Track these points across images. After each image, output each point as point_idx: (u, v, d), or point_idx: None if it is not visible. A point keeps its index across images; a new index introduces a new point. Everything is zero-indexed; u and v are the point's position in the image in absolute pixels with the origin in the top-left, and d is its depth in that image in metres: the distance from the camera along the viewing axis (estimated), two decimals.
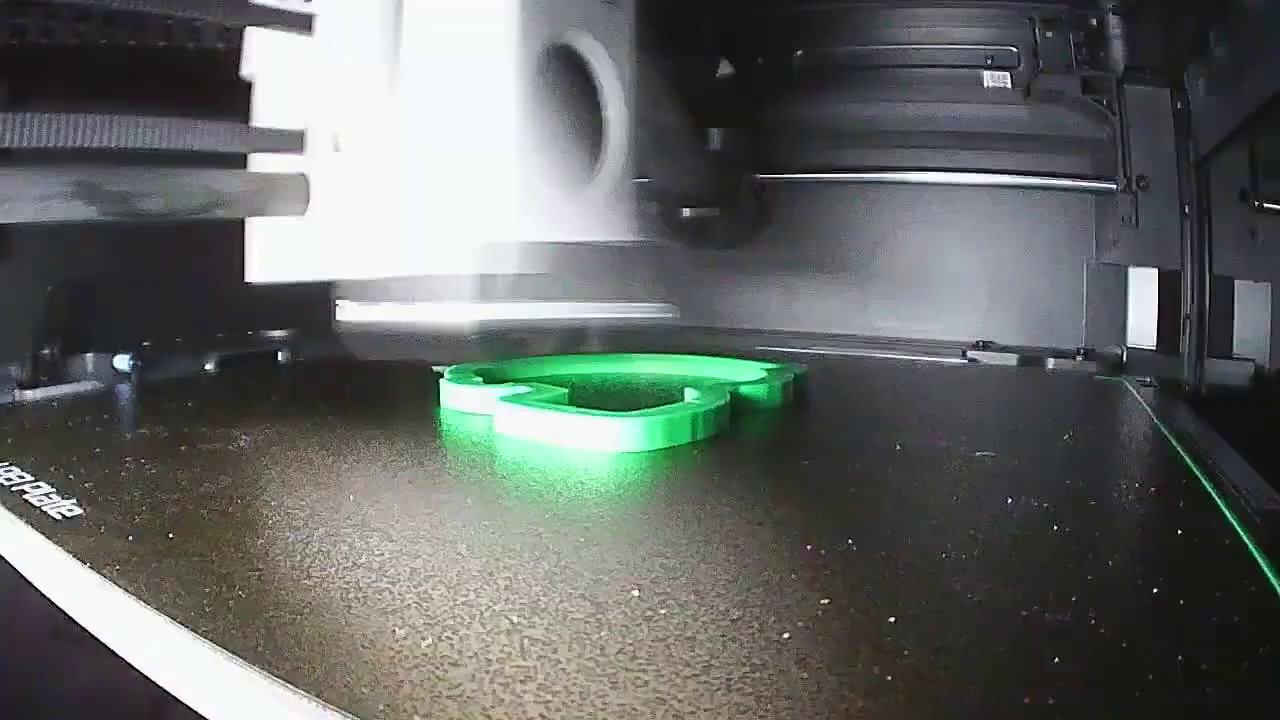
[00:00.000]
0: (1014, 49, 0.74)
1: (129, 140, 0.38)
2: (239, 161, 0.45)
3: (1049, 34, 0.72)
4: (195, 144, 0.40)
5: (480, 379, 0.51)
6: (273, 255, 0.48)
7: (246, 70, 0.48)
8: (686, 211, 0.79)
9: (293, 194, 0.44)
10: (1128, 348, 0.74)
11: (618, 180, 0.47)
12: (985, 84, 0.76)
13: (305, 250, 0.45)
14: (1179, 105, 0.69)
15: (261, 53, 0.47)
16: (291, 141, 0.44)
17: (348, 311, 0.46)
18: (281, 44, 0.46)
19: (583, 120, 0.46)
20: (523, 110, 0.41)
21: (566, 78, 0.44)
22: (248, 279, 0.50)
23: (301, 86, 0.45)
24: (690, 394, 0.46)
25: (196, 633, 0.22)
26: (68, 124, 0.36)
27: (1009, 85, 0.75)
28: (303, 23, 0.44)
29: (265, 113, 0.47)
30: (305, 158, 0.45)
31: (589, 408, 0.43)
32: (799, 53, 0.83)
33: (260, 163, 0.46)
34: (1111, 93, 0.71)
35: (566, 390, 0.48)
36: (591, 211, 0.45)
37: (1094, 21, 0.68)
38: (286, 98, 0.46)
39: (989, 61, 0.76)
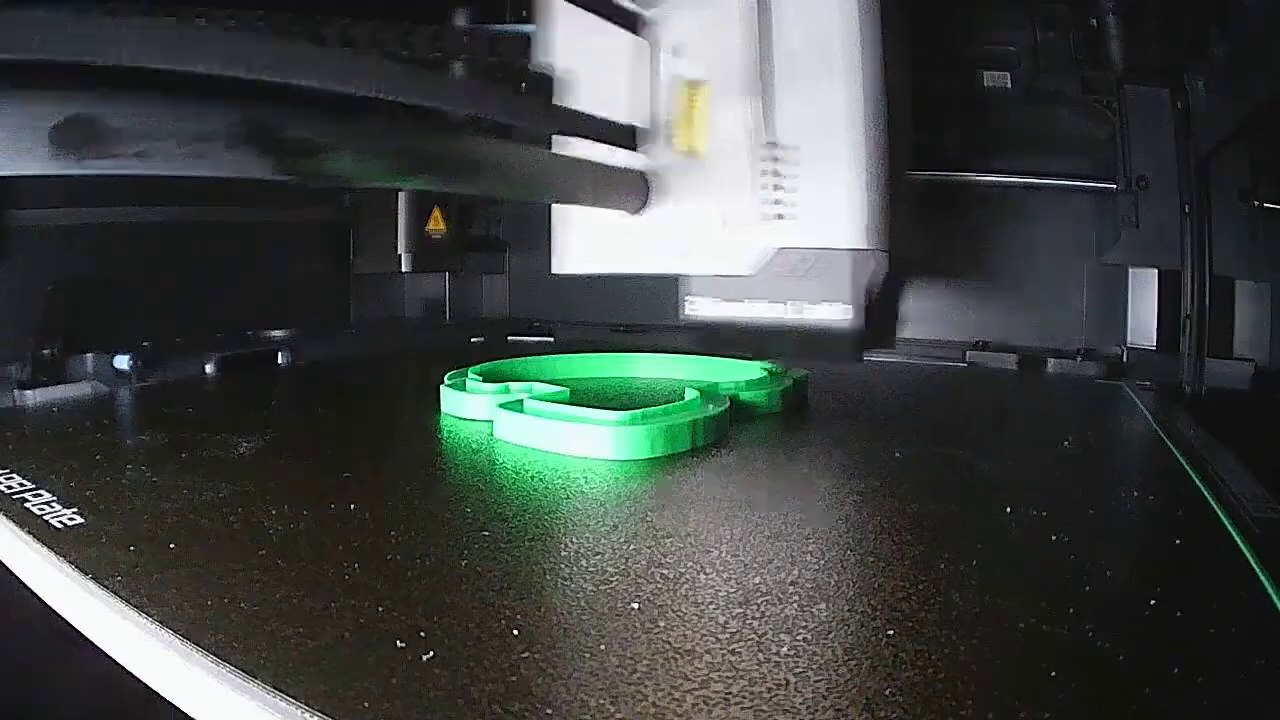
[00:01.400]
0: (1014, 49, 0.74)
1: (438, 100, 0.35)
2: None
3: (1049, 34, 0.72)
4: (531, 122, 0.42)
5: (481, 378, 0.51)
6: (592, 248, 0.52)
7: (554, 59, 0.50)
8: None
9: (633, 190, 0.47)
10: (1128, 348, 0.74)
11: (906, 187, 0.51)
12: (985, 84, 0.75)
13: (634, 245, 0.50)
14: (1179, 105, 0.69)
15: (571, 45, 0.50)
16: (630, 137, 0.47)
17: (696, 307, 0.51)
18: (593, 39, 0.49)
19: (896, 150, 0.50)
20: (876, 145, 0.47)
21: (890, 117, 0.49)
22: (555, 270, 0.54)
23: (629, 85, 0.49)
24: (690, 392, 0.46)
25: (199, 646, 0.22)
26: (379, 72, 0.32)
27: (1009, 85, 0.75)
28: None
29: (577, 102, 0.49)
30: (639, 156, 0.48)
31: (589, 409, 0.43)
32: None
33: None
34: (1111, 93, 0.71)
35: (566, 390, 0.48)
36: (904, 226, 0.50)
37: (1094, 21, 0.68)
38: (604, 91, 0.49)
39: (989, 61, 0.75)
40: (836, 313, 0.48)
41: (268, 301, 0.83)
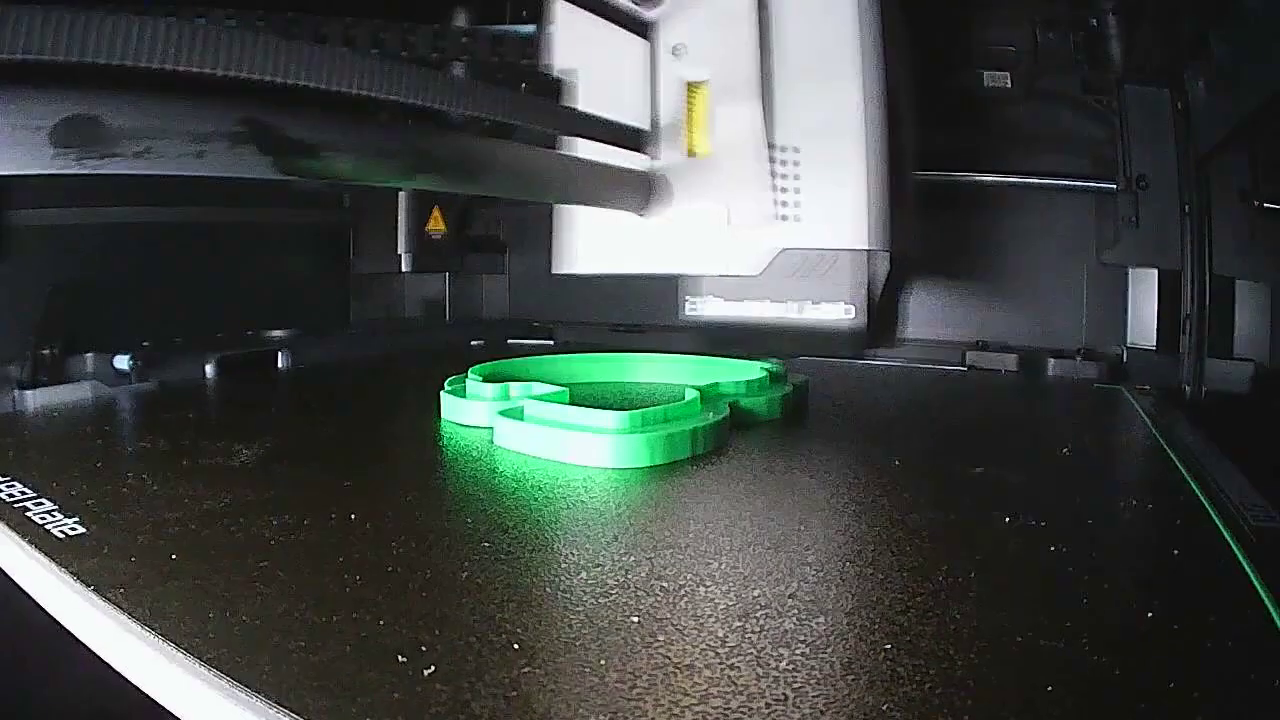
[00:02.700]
0: (1014, 49, 0.74)
1: (453, 103, 0.32)
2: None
3: (1049, 34, 0.72)
4: (536, 122, 0.39)
5: (480, 377, 0.51)
6: (597, 247, 0.52)
7: (555, 60, 0.51)
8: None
9: (637, 190, 0.47)
10: (1128, 348, 0.74)
11: (910, 187, 0.52)
12: (985, 84, 0.75)
13: (640, 245, 0.50)
14: (1179, 105, 0.69)
15: (572, 46, 0.51)
16: (634, 138, 0.47)
17: (697, 307, 0.51)
18: (596, 40, 0.50)
19: (900, 149, 0.50)
20: (879, 143, 0.47)
21: (893, 115, 0.49)
22: (556, 270, 0.53)
23: (635, 88, 0.49)
24: (690, 392, 0.46)
25: (202, 660, 0.22)
26: (359, 65, 0.28)
27: (1009, 85, 0.75)
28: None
29: (582, 103, 0.50)
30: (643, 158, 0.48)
31: (589, 413, 0.43)
32: None
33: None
34: (1111, 93, 0.71)
35: (566, 391, 0.48)
36: (906, 226, 0.51)
37: (1094, 21, 0.68)
38: (607, 92, 0.49)
39: (989, 61, 0.75)
40: (839, 312, 0.49)
41: (268, 302, 0.83)
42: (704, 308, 0.52)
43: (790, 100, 0.48)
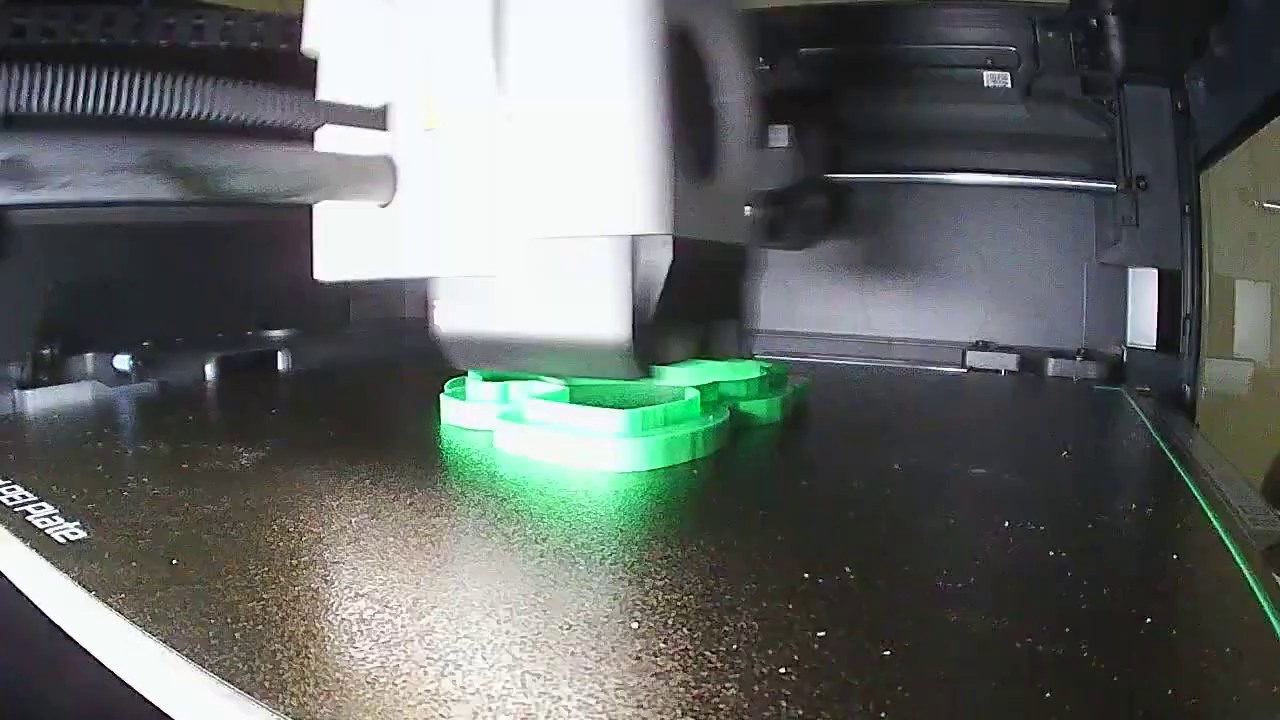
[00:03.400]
0: (1014, 49, 0.74)
1: (191, 106, 0.30)
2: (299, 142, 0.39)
3: (1049, 34, 0.72)
4: (269, 116, 0.33)
5: (481, 375, 0.51)
6: (344, 250, 0.43)
7: (309, 44, 0.42)
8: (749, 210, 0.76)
9: (379, 178, 0.39)
10: (1128, 348, 0.74)
11: (740, 173, 0.41)
12: (985, 84, 0.75)
13: (384, 245, 0.40)
14: (1179, 105, 0.69)
15: (326, 23, 0.42)
16: (373, 119, 0.39)
17: (447, 318, 0.41)
18: (351, 14, 0.41)
19: (698, 107, 0.40)
20: (645, 90, 0.35)
21: (681, 61, 0.38)
22: (316, 277, 0.45)
23: (378, 60, 0.40)
24: (690, 392, 0.46)
25: (203, 666, 0.22)
26: (118, 84, 0.29)
27: (1009, 85, 0.75)
28: None
29: (333, 89, 0.41)
30: (387, 139, 0.39)
31: (590, 413, 0.43)
32: (800, 51, 0.83)
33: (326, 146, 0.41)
34: (1111, 93, 0.71)
35: (566, 390, 0.48)
36: (715, 207, 0.40)
37: (1094, 21, 0.68)
38: (359, 72, 0.40)
39: (989, 61, 0.75)
40: (596, 322, 0.37)
41: (268, 301, 0.83)
42: (449, 319, 0.42)
43: (529, 49, 0.37)
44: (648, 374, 0.41)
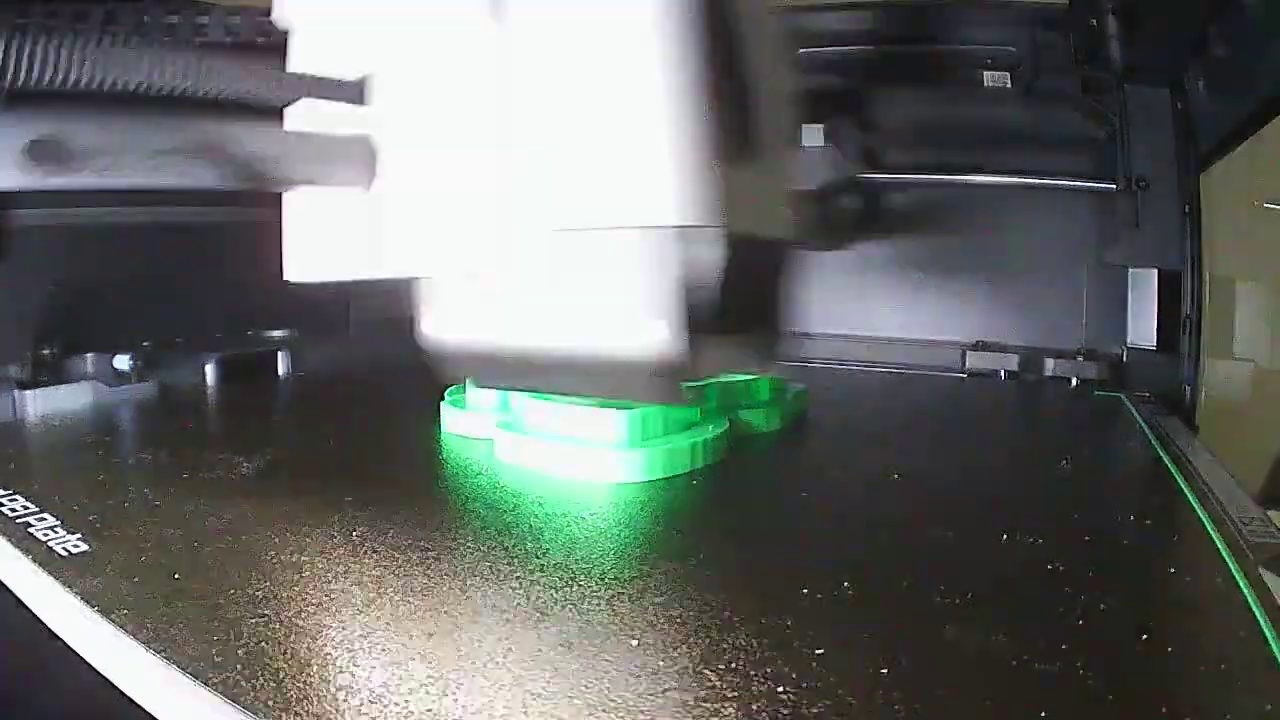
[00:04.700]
0: (1014, 49, 0.74)
1: (160, 78, 0.26)
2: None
3: (1049, 34, 0.72)
4: (251, 90, 0.29)
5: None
6: (318, 249, 0.37)
7: (278, 14, 0.37)
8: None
9: (358, 161, 0.33)
10: (1128, 348, 0.74)
11: (777, 160, 0.33)
12: (985, 84, 0.75)
13: (366, 240, 0.34)
14: (1179, 105, 0.69)
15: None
16: (352, 92, 0.33)
17: (440, 326, 0.34)
18: None
19: (728, 86, 0.31)
20: (669, 60, 0.28)
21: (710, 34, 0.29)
22: (287, 278, 0.37)
23: (355, 29, 0.34)
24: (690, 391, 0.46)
25: (207, 684, 0.22)
26: (82, 52, 0.24)
27: (1009, 85, 0.75)
28: None
29: (305, 62, 0.35)
30: (366, 117, 0.33)
31: (590, 418, 0.43)
32: (800, 51, 0.82)
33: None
34: (1111, 93, 0.71)
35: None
36: (760, 200, 0.32)
37: (1094, 21, 0.68)
38: (333, 43, 0.35)
39: (989, 61, 0.75)
40: (637, 332, 0.30)
41: (268, 302, 0.83)
42: (442, 328, 0.35)
43: (546, 9, 0.29)
44: (682, 399, 0.36)
